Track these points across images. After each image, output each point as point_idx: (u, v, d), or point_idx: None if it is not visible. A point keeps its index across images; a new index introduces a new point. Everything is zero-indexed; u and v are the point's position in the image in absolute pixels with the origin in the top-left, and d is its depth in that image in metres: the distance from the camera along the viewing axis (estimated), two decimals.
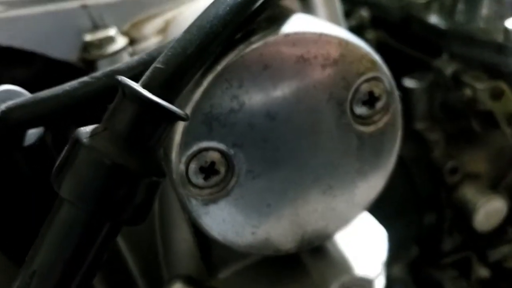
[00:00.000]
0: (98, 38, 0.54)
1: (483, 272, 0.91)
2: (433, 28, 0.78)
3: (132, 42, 0.58)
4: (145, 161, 0.34)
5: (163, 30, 0.59)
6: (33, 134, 0.44)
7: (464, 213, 0.78)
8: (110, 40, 0.54)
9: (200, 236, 0.53)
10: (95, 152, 0.33)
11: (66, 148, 0.34)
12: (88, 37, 0.55)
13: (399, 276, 0.93)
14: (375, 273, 0.53)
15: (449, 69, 0.74)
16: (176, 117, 0.34)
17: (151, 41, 0.58)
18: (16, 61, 0.59)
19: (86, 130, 0.34)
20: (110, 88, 0.39)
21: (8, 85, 0.43)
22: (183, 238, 0.58)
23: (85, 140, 0.33)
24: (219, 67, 0.42)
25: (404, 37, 0.85)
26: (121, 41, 0.55)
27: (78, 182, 0.33)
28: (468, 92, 0.71)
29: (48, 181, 0.65)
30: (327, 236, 0.52)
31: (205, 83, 0.42)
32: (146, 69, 0.37)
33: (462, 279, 0.91)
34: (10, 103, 0.42)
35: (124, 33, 0.58)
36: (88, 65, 0.57)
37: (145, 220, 0.35)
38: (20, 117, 0.41)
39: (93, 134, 0.33)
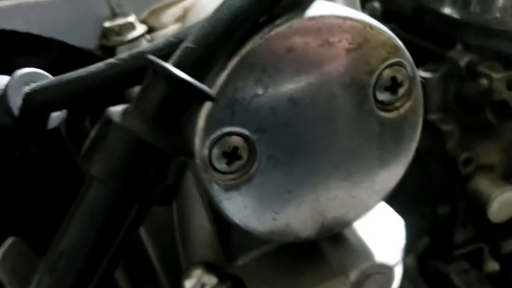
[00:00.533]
0: (118, 24, 0.54)
1: (493, 265, 0.91)
2: (447, 19, 0.78)
3: (150, 30, 0.58)
4: (175, 140, 0.34)
5: (181, 17, 0.59)
6: (56, 118, 0.44)
7: (478, 204, 0.77)
8: (129, 26, 0.54)
9: (220, 223, 0.54)
10: (126, 131, 0.33)
11: (96, 127, 0.34)
12: (108, 24, 0.55)
13: (407, 269, 0.93)
14: (395, 260, 0.53)
15: (464, 59, 0.74)
16: (206, 97, 0.34)
17: (169, 29, 0.58)
18: (34, 48, 0.60)
19: (117, 109, 0.34)
20: (137, 70, 0.39)
21: (32, 68, 0.43)
22: (201, 226, 0.58)
23: (116, 119, 0.33)
24: (243, 51, 0.42)
25: (416, 30, 0.85)
26: (140, 28, 0.55)
27: (109, 161, 0.33)
28: (484, 81, 0.70)
29: (62, 170, 0.65)
30: (346, 224, 0.52)
31: (229, 67, 0.42)
32: (173, 51, 0.37)
33: (471, 272, 0.91)
34: (34, 85, 0.42)
35: (143, 21, 0.58)
36: (107, 52, 0.57)
37: (173, 201, 0.35)
38: (44, 99, 0.41)
39: (124, 113, 0.33)
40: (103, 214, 0.33)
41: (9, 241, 0.52)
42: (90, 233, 0.34)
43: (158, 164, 0.33)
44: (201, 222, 0.58)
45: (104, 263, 0.34)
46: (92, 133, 0.34)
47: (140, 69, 0.38)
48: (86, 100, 0.40)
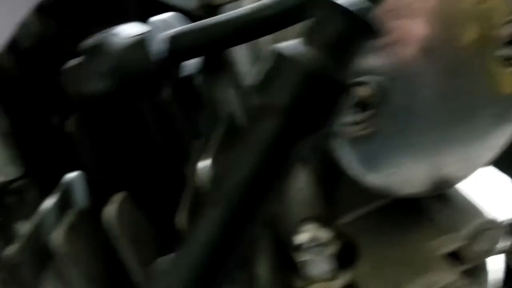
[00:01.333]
0: None
1: None
2: None
3: None
4: (345, 75, 0.34)
5: None
6: (189, 65, 0.45)
7: None
8: None
9: (327, 180, 0.54)
10: (300, 64, 0.33)
11: (267, 64, 0.34)
12: None
13: None
14: (506, 217, 0.53)
15: None
16: (374, 33, 0.34)
17: None
18: (135, 8, 0.60)
19: (286, 44, 0.34)
20: (287, 11, 0.39)
21: (169, 14, 0.43)
22: (300, 188, 0.58)
23: (289, 53, 0.33)
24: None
25: None
26: None
27: (283, 93, 0.33)
28: None
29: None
30: (457, 181, 0.52)
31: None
32: None
33: None
34: (172, 31, 0.42)
35: None
36: (208, 13, 0.57)
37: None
38: (188, 44, 0.41)
39: (296, 47, 0.34)
40: (274, 146, 0.34)
41: (120, 195, 0.53)
42: (259, 164, 0.34)
43: (330, 97, 0.34)
44: (299, 184, 0.58)
45: (267, 195, 0.35)
46: (262, 69, 0.34)
47: (294, 8, 0.39)
48: (235, 43, 0.41)
